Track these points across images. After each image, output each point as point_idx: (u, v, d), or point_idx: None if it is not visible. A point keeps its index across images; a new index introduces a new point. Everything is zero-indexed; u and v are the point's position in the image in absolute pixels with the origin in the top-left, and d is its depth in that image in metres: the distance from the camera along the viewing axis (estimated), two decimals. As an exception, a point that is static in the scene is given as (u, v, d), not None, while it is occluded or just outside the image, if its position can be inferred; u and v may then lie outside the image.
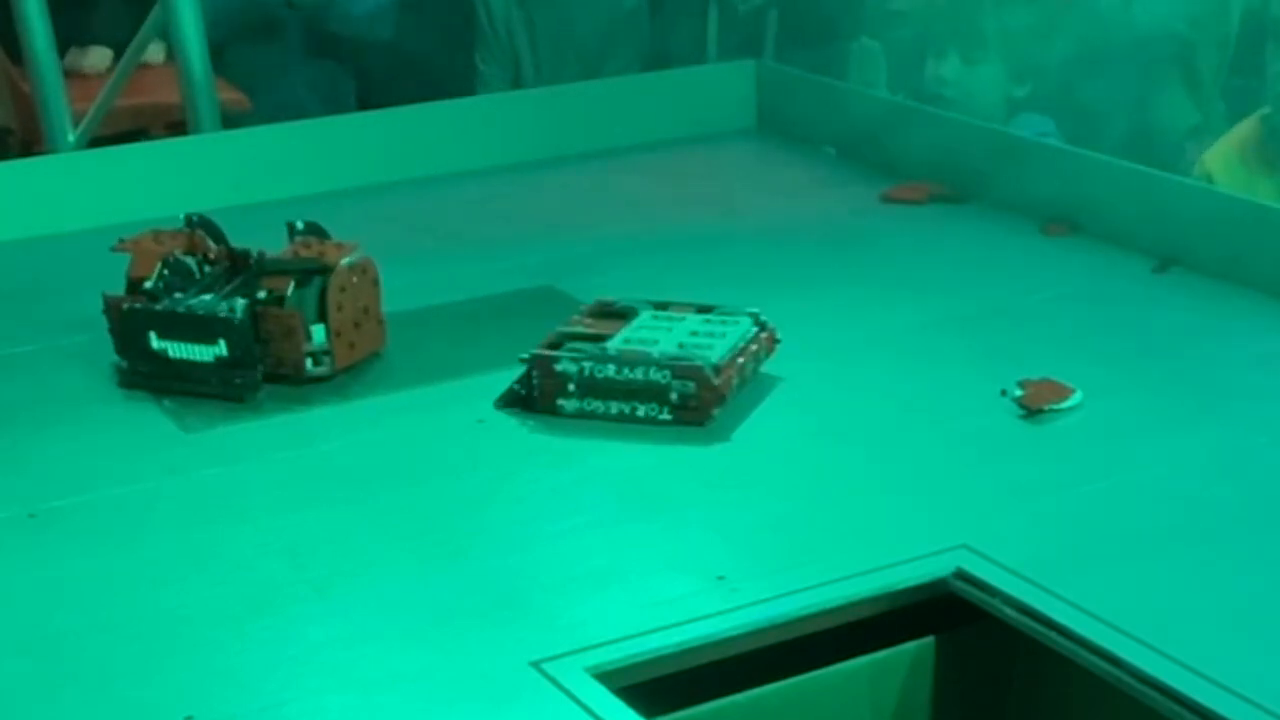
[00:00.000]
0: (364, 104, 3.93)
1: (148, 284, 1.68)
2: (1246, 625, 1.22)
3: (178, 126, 3.19)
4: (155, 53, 3.65)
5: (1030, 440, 1.53)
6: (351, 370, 1.71)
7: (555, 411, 1.59)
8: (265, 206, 2.18)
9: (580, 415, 1.58)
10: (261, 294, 1.66)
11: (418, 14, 4.28)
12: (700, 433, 1.56)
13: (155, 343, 1.65)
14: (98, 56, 3.95)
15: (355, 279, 1.70)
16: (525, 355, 1.61)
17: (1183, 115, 3.38)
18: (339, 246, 1.71)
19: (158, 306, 1.66)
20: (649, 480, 1.48)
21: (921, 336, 1.79)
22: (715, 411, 1.57)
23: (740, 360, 1.61)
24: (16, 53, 3.16)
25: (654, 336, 1.62)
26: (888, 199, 2.26)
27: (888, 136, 2.39)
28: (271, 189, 2.28)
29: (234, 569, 1.35)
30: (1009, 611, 1.25)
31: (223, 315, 1.62)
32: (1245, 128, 2.88)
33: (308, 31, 4.12)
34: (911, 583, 1.29)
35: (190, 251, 1.73)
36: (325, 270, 1.67)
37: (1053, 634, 1.22)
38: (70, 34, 3.64)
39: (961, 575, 1.30)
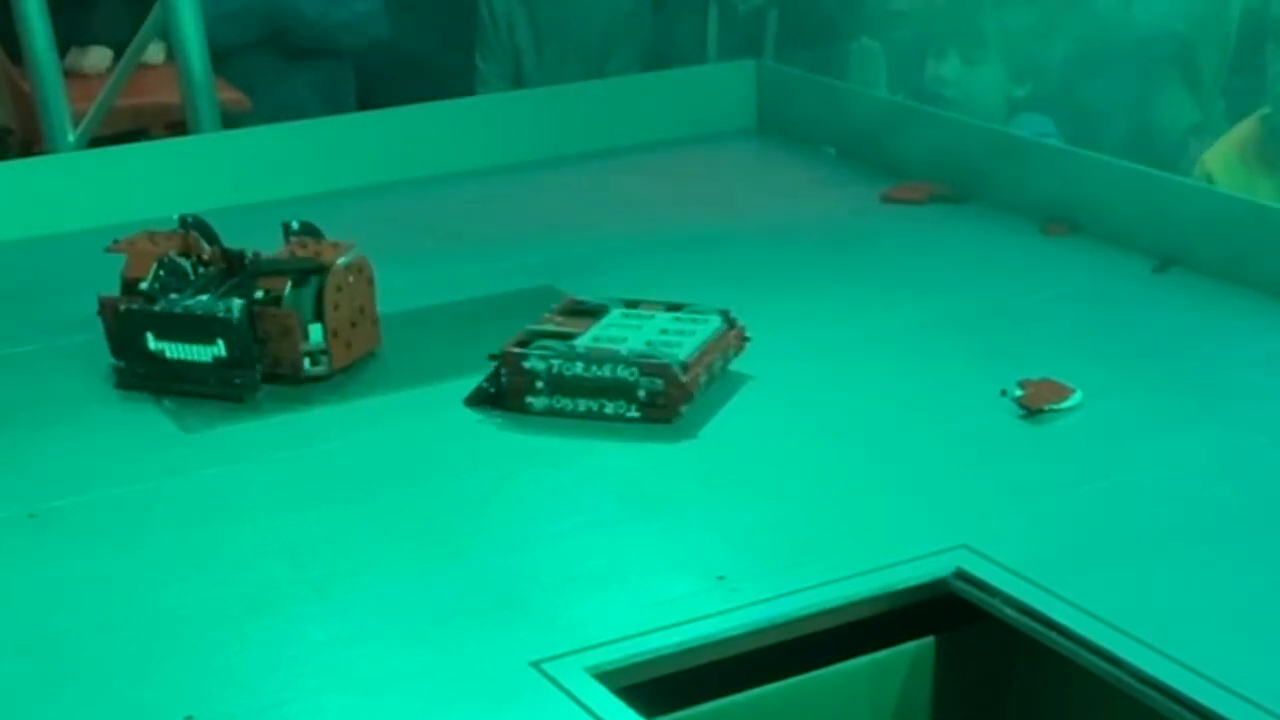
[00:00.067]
0: (364, 104, 3.93)
1: (143, 285, 1.68)
2: (1246, 625, 1.22)
3: (178, 126, 3.19)
4: (155, 53, 3.64)
5: (1030, 440, 1.53)
6: (349, 370, 1.71)
7: (524, 409, 1.60)
8: (265, 207, 2.18)
9: (549, 413, 1.59)
10: (259, 294, 1.66)
11: (416, 13, 4.28)
12: (698, 432, 1.57)
13: (152, 343, 1.65)
14: (98, 56, 3.95)
15: (351, 278, 1.70)
16: (495, 352, 1.61)
17: (1183, 115, 3.37)
18: (335, 246, 1.71)
19: (155, 307, 1.66)
20: (649, 480, 1.48)
21: (921, 336, 1.79)
22: (683, 409, 1.57)
23: (709, 358, 1.62)
24: (16, 53, 3.16)
25: (623, 334, 1.63)
26: (888, 199, 2.26)
27: (888, 136, 2.39)
28: (271, 189, 2.28)
29: (234, 569, 1.35)
30: (1009, 611, 1.25)
31: (221, 315, 1.62)
32: (1245, 128, 2.88)
33: (313, 39, 4.12)
34: (911, 583, 1.29)
35: (185, 252, 1.73)
36: (322, 270, 1.67)
37: (1053, 634, 1.22)
38: (70, 34, 3.64)
39: (961, 575, 1.29)
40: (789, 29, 3.99)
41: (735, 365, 1.69)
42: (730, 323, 1.67)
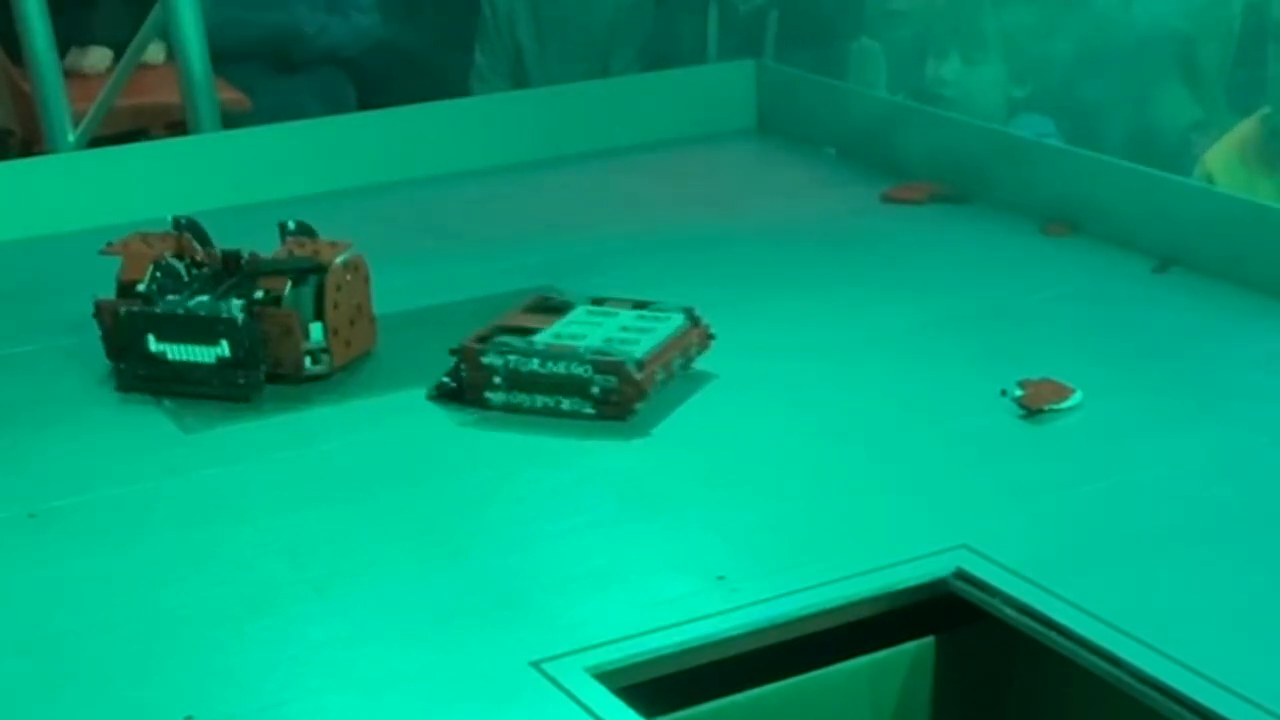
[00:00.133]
0: (363, 104, 3.93)
1: (140, 287, 1.68)
2: (1246, 625, 1.22)
3: (178, 126, 3.19)
4: (155, 53, 3.64)
5: (1030, 440, 1.53)
6: (349, 369, 1.71)
7: (484, 404, 1.61)
8: (265, 207, 2.18)
9: (507, 408, 1.60)
10: (258, 294, 1.66)
11: (415, 13, 4.28)
12: (700, 432, 1.57)
13: (154, 345, 1.65)
14: (98, 56, 3.95)
15: (349, 276, 1.70)
16: (454, 347, 1.62)
17: (1185, 112, 3.37)
18: (332, 245, 1.72)
19: (158, 309, 1.65)
20: (649, 480, 1.48)
21: (921, 336, 1.79)
22: (637, 406, 1.58)
23: (667, 356, 1.62)
24: (16, 53, 3.16)
25: (584, 331, 1.63)
26: (888, 199, 2.26)
27: (888, 136, 2.39)
28: (271, 189, 2.28)
29: (234, 569, 1.35)
30: (1009, 611, 1.25)
31: (226, 316, 1.63)
32: (1245, 128, 2.88)
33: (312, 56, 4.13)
34: (911, 583, 1.29)
35: (179, 254, 1.73)
36: (320, 269, 1.67)
37: (1053, 634, 1.22)
38: (70, 34, 3.63)
39: (961, 575, 1.29)
40: (789, 29, 3.99)
41: (735, 365, 1.69)
42: (694, 321, 1.68)
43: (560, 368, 1.58)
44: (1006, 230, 2.12)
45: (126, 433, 1.62)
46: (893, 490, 1.45)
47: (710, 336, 1.70)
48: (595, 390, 1.57)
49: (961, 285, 1.94)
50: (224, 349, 1.63)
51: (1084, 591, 1.25)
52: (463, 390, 1.62)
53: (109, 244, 1.74)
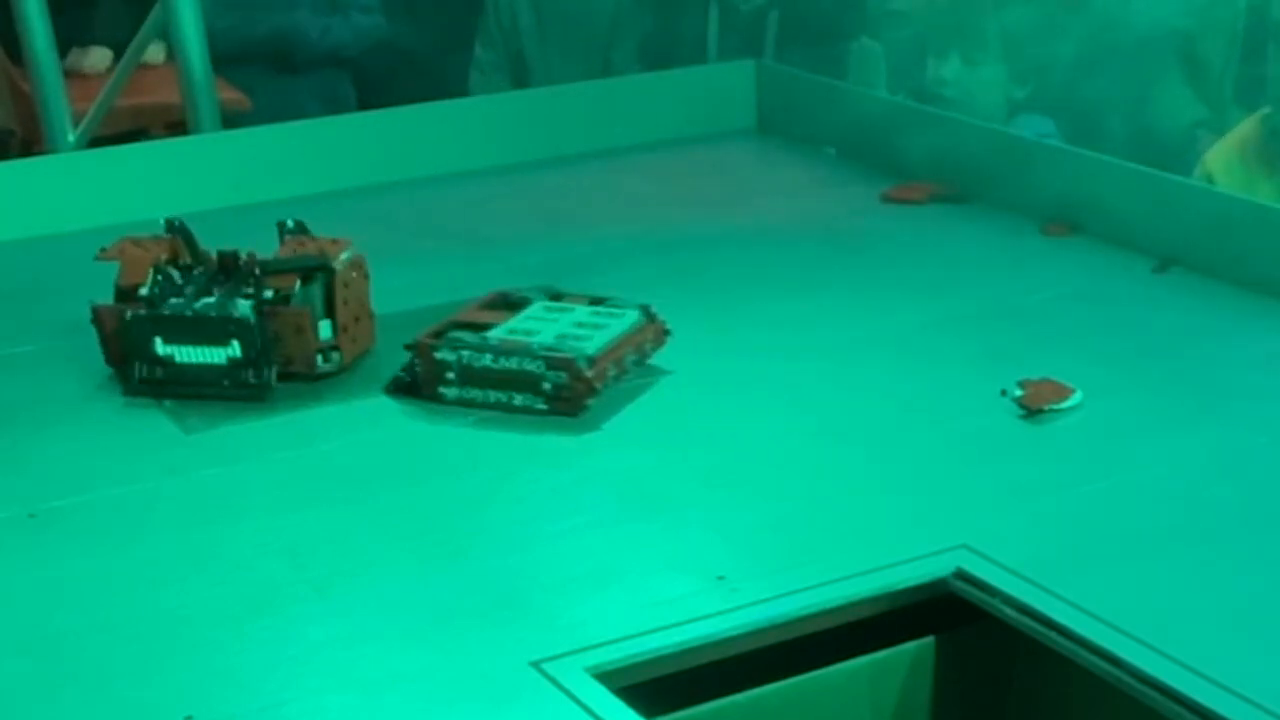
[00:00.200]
0: (364, 103, 3.93)
1: (143, 290, 1.68)
2: (1246, 625, 1.22)
3: (178, 126, 3.19)
4: (155, 53, 3.64)
5: (1030, 440, 1.53)
6: (351, 369, 1.71)
7: (438, 399, 1.62)
8: (265, 207, 2.18)
9: (461, 403, 1.61)
10: (268, 293, 1.66)
11: (415, 13, 4.28)
12: (700, 432, 1.57)
13: (161, 348, 1.65)
14: (98, 56, 3.95)
15: (354, 274, 1.71)
16: (409, 342, 1.64)
17: (1186, 111, 3.37)
18: (334, 242, 1.72)
19: (165, 311, 1.65)
20: (649, 480, 1.48)
21: (921, 336, 1.79)
22: (588, 402, 1.59)
23: (619, 352, 1.63)
24: (16, 53, 3.16)
25: (539, 328, 1.65)
26: (888, 199, 2.26)
27: (888, 136, 2.39)
28: (271, 189, 2.28)
29: (234, 569, 1.35)
30: (1009, 611, 1.25)
31: (238, 315, 1.63)
32: (1245, 128, 2.88)
33: (315, 57, 4.13)
34: (911, 583, 1.29)
35: (173, 257, 1.72)
36: (327, 267, 1.67)
37: (1053, 634, 1.22)
38: (70, 34, 3.63)
39: (961, 575, 1.29)
40: (789, 29, 3.99)
41: (735, 364, 1.69)
42: (650, 317, 1.69)
43: (512, 363, 1.59)
44: (1006, 230, 2.12)
45: (126, 433, 1.62)
46: (893, 490, 1.45)
47: (666, 333, 1.70)
48: (547, 386, 1.58)
49: (961, 285, 1.94)
50: (235, 349, 1.63)
51: (1084, 591, 1.25)
52: (417, 385, 1.63)
53: (102, 249, 1.73)
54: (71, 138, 3.03)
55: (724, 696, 1.24)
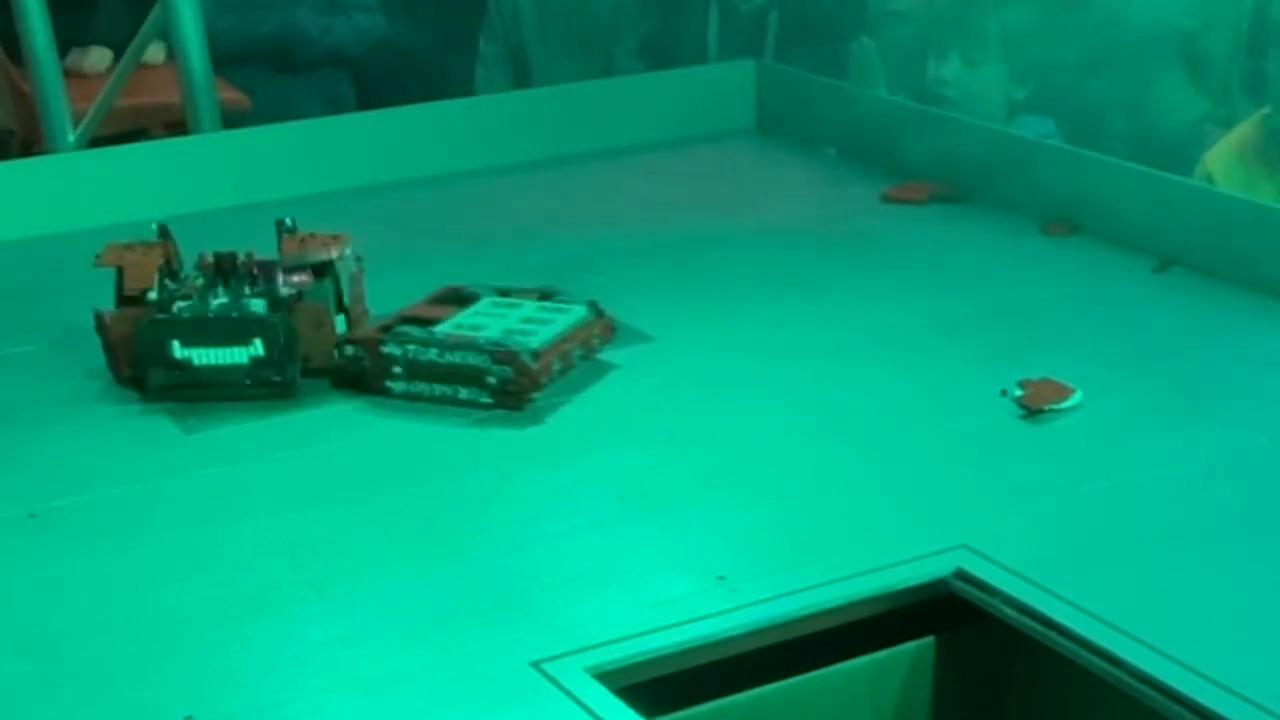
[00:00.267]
0: (364, 103, 3.93)
1: (152, 294, 1.67)
2: (1246, 625, 1.22)
3: (178, 126, 3.19)
4: (155, 53, 3.64)
5: (1030, 440, 1.53)
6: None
7: (385, 393, 1.63)
8: (265, 207, 2.18)
9: (408, 397, 1.63)
10: (284, 291, 1.66)
11: (416, 13, 4.28)
12: (699, 432, 1.57)
13: (179, 351, 1.64)
14: (98, 56, 3.95)
15: (356, 269, 1.73)
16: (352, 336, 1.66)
17: (1188, 110, 3.37)
18: (335, 238, 1.72)
19: (185, 314, 1.64)
20: (649, 480, 1.48)
21: (921, 337, 1.79)
22: (533, 396, 1.60)
23: (565, 347, 1.64)
24: (16, 53, 3.16)
25: (486, 322, 1.66)
26: (888, 199, 2.26)
27: (888, 136, 2.39)
28: (271, 189, 2.28)
29: (234, 569, 1.35)
30: (1009, 611, 1.25)
31: (259, 315, 1.63)
32: (1245, 128, 2.89)
33: (315, 57, 4.13)
34: (911, 583, 1.29)
35: (166, 260, 1.72)
36: (334, 262, 1.68)
37: (1053, 634, 1.22)
38: (70, 34, 3.63)
39: (961, 575, 1.29)
40: (789, 29, 3.99)
41: (735, 365, 1.69)
42: (598, 313, 1.70)
43: (457, 357, 1.60)
44: (1006, 230, 2.12)
45: (126, 433, 1.62)
46: (892, 490, 1.45)
47: (613, 329, 1.71)
48: (492, 380, 1.59)
49: (961, 285, 1.94)
50: (257, 348, 1.63)
51: (1084, 591, 1.25)
52: (365, 379, 1.64)
53: (98, 256, 1.72)
54: (71, 138, 3.02)
55: (724, 696, 1.24)
